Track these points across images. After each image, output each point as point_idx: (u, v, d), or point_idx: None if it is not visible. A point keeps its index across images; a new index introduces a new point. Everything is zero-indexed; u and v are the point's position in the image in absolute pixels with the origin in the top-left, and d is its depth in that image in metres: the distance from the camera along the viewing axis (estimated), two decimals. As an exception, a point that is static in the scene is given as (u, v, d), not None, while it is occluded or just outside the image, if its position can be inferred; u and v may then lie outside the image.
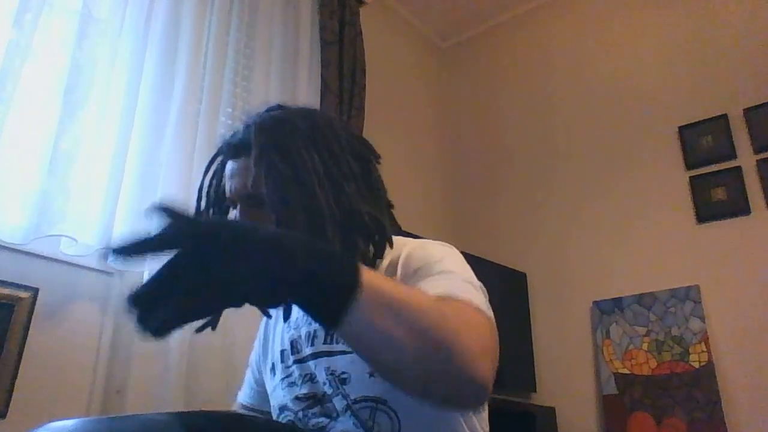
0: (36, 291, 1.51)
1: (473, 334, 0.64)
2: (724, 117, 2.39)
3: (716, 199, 2.33)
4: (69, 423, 0.61)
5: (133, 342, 1.59)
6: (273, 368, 0.96)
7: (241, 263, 0.50)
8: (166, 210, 0.54)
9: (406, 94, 3.14)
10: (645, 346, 2.32)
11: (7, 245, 1.47)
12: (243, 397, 1.10)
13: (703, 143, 2.42)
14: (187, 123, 1.82)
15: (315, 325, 0.90)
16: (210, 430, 0.61)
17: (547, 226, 2.77)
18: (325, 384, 0.84)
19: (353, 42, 2.51)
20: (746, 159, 2.31)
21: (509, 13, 3.25)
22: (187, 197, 1.75)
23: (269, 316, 1.00)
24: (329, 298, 0.54)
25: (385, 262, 0.88)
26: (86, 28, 1.69)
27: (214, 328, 0.81)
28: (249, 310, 0.62)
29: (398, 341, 0.57)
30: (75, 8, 1.68)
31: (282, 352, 0.95)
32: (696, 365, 2.18)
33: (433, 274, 0.79)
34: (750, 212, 2.26)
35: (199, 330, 0.80)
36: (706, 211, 2.35)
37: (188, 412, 0.64)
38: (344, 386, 0.82)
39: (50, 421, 0.62)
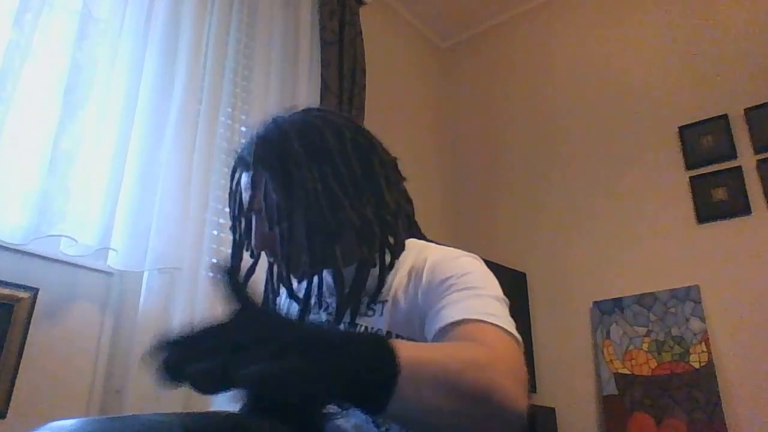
0: (36, 291, 1.51)
1: (507, 369, 0.66)
2: (724, 117, 2.39)
3: (717, 199, 2.33)
4: (69, 423, 0.61)
5: (132, 342, 1.59)
6: None
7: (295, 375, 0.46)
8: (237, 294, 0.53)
9: (406, 94, 3.14)
10: (645, 346, 2.32)
11: (7, 245, 1.47)
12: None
13: (703, 143, 2.42)
14: (187, 123, 1.81)
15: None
16: (210, 429, 0.61)
17: (547, 226, 2.77)
18: None
19: (353, 42, 2.51)
20: (747, 159, 2.31)
21: (509, 13, 3.25)
22: (186, 197, 1.75)
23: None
24: (372, 395, 0.53)
25: (406, 266, 0.89)
26: (86, 28, 1.69)
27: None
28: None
29: (441, 409, 0.59)
30: (75, 8, 1.67)
31: None
32: (696, 365, 2.18)
33: (461, 288, 0.80)
34: (750, 212, 2.26)
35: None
36: (706, 211, 2.35)
37: (188, 412, 0.63)
38: None
39: (50, 421, 0.62)
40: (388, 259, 0.89)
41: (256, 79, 2.15)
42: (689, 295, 2.28)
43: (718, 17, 2.55)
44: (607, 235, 2.58)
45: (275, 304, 0.99)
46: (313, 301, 0.97)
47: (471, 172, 3.16)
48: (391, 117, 2.87)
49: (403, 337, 0.84)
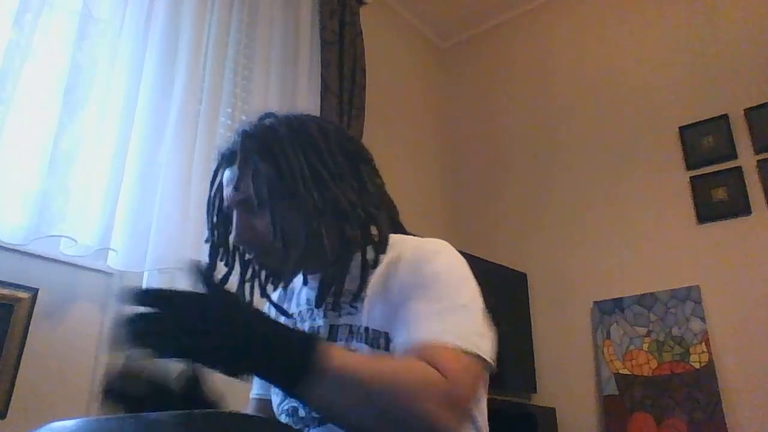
0: (36, 291, 1.51)
1: (433, 393, 0.69)
2: (724, 117, 2.39)
3: (717, 200, 2.33)
4: (69, 423, 0.60)
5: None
6: None
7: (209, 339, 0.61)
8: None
9: (406, 94, 3.14)
10: (645, 346, 2.31)
11: (6, 245, 1.46)
12: (255, 390, 1.11)
13: (703, 143, 2.42)
14: (186, 123, 1.81)
15: (317, 322, 0.93)
16: (210, 430, 0.61)
17: (547, 227, 2.77)
18: None
19: (353, 42, 2.50)
20: (747, 159, 2.31)
21: (509, 13, 3.25)
22: (186, 197, 1.75)
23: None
24: (286, 377, 0.65)
25: (386, 260, 0.90)
26: (86, 28, 1.68)
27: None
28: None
29: (354, 414, 0.67)
30: (75, 8, 1.67)
31: None
32: (696, 366, 2.18)
33: (430, 299, 0.81)
34: (751, 212, 2.26)
35: None
36: (706, 212, 2.35)
37: (188, 412, 0.63)
38: None
39: (50, 422, 0.61)
40: (371, 255, 0.89)
41: (256, 79, 2.15)
42: (689, 296, 2.28)
43: (718, 17, 2.55)
44: (607, 235, 2.57)
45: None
46: (293, 309, 0.98)
47: (471, 172, 3.15)
48: (391, 117, 2.87)
49: (379, 331, 0.85)
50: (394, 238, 0.93)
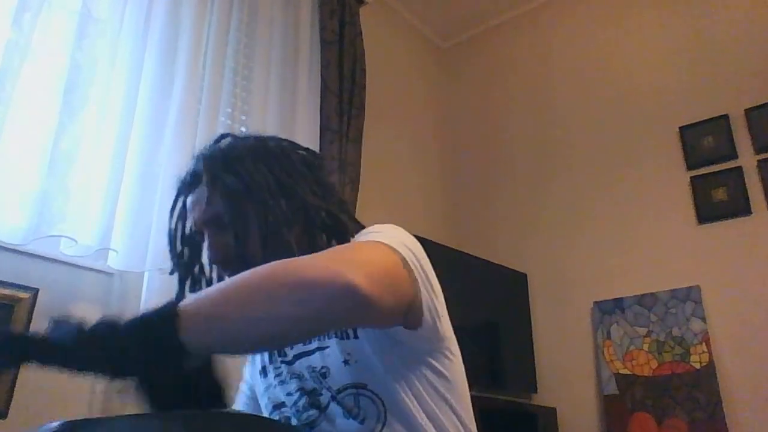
0: (36, 291, 1.51)
1: (333, 255, 0.70)
2: (725, 117, 2.39)
3: (717, 200, 2.33)
4: (67, 424, 0.60)
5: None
6: (264, 370, 0.98)
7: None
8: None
9: (406, 94, 3.14)
10: (646, 346, 2.31)
11: (6, 246, 1.46)
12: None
13: (704, 143, 2.42)
14: (186, 123, 1.81)
15: None
16: (210, 430, 0.61)
17: (548, 227, 2.76)
18: (309, 380, 0.88)
19: (353, 42, 2.50)
20: (747, 159, 2.31)
21: (509, 13, 3.25)
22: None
23: None
24: (162, 347, 0.61)
25: None
26: (86, 27, 1.68)
27: None
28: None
29: (245, 319, 0.63)
30: (74, 8, 1.67)
31: (270, 355, 0.98)
32: (697, 366, 2.18)
33: (365, 235, 0.84)
34: (751, 212, 2.25)
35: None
36: (706, 212, 2.34)
37: (188, 412, 0.63)
38: (326, 380, 0.86)
39: (51, 422, 0.61)
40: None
41: (255, 79, 2.15)
42: (690, 296, 2.28)
43: (718, 17, 2.55)
44: (607, 235, 2.57)
45: None
46: None
47: (471, 172, 3.15)
48: (391, 117, 2.87)
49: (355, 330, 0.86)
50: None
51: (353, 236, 0.90)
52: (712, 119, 2.42)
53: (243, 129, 2.08)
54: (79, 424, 0.62)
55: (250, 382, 1.08)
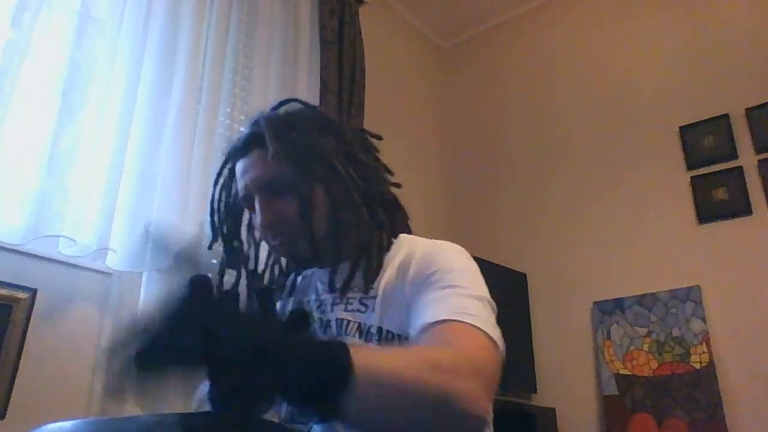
0: (34, 292, 1.50)
1: (471, 370, 0.66)
2: (725, 117, 2.39)
3: (717, 200, 2.33)
4: (68, 424, 0.60)
5: (132, 343, 1.58)
6: None
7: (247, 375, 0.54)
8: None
9: (406, 94, 3.13)
10: (646, 346, 2.31)
11: (5, 246, 1.46)
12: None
13: (704, 143, 2.41)
14: (185, 123, 1.81)
15: (327, 315, 0.92)
16: (210, 430, 0.61)
17: (547, 227, 2.76)
18: None
19: (353, 42, 2.50)
20: (747, 159, 2.31)
21: (510, 13, 3.24)
22: (185, 197, 1.74)
23: None
24: (325, 396, 0.56)
25: (397, 260, 0.90)
26: (85, 27, 1.68)
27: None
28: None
29: (398, 413, 0.61)
30: (74, 7, 1.67)
31: None
32: (697, 366, 2.18)
33: (445, 286, 0.80)
34: (751, 212, 2.25)
35: None
36: (707, 212, 2.34)
37: (188, 412, 0.63)
38: None
39: (49, 422, 0.61)
40: (395, 233, 0.91)
41: (255, 78, 2.15)
42: (690, 296, 2.27)
43: (718, 17, 2.55)
44: (607, 235, 2.57)
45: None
46: (311, 300, 0.97)
47: (471, 172, 3.15)
48: (391, 117, 2.86)
49: (393, 332, 0.84)
50: (405, 238, 0.93)
51: (406, 223, 0.90)
52: (712, 119, 2.42)
53: (242, 129, 2.08)
54: (79, 424, 0.61)
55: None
